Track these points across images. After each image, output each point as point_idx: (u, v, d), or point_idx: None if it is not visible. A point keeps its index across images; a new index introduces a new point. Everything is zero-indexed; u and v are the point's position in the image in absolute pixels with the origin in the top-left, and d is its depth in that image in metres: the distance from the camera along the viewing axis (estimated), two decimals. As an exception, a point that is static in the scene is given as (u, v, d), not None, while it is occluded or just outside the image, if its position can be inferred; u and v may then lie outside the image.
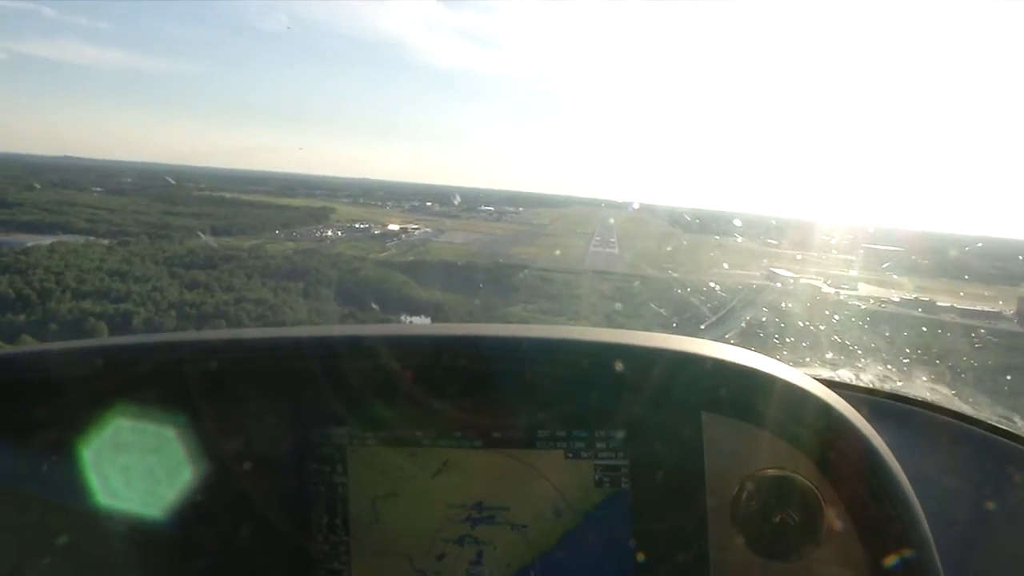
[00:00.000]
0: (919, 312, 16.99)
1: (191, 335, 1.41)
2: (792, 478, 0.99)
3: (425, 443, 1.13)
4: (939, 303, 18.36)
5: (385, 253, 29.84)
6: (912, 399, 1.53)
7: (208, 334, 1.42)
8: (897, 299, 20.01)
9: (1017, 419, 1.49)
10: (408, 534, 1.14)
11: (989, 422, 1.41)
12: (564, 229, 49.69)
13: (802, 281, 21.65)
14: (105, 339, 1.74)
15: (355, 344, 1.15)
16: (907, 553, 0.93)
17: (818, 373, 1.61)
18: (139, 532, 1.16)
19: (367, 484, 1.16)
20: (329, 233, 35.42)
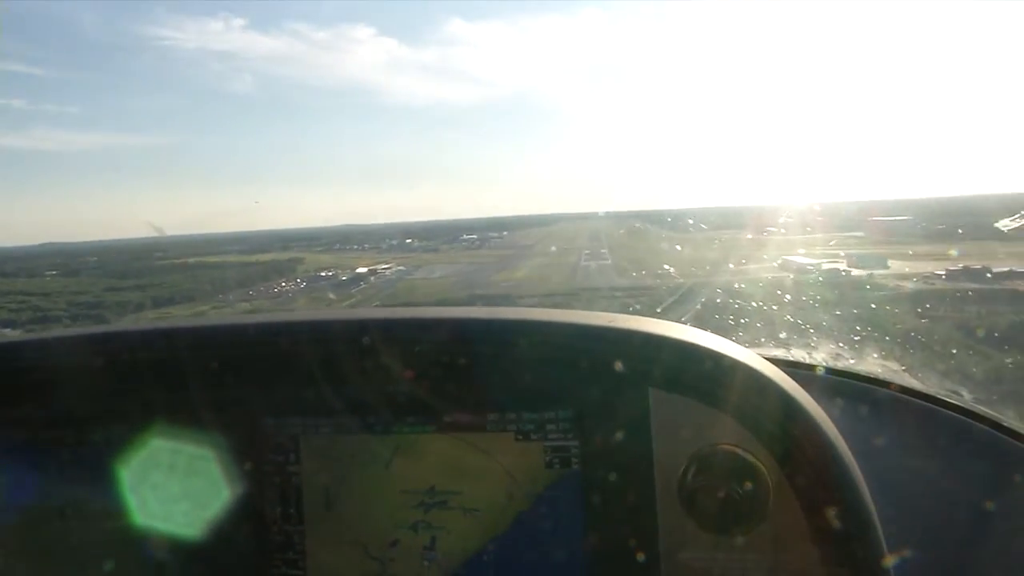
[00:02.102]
0: (983, 284, 13.87)
1: (143, 325, 1.36)
2: (738, 454, 0.99)
3: (377, 430, 1.12)
4: (995, 269, 15.26)
5: (348, 301, 26.74)
6: (862, 375, 1.53)
7: (159, 323, 1.43)
8: (943, 272, 17.07)
9: (964, 393, 1.57)
10: (362, 521, 1.13)
11: (938, 396, 1.41)
12: (551, 247, 47.05)
13: (824, 266, 19.00)
14: (68, 330, 1.42)
15: (304, 330, 1.15)
16: (852, 528, 0.93)
17: (773, 353, 1.62)
18: (95, 527, 1.17)
19: (320, 473, 1.15)
20: (288, 286, 32.37)
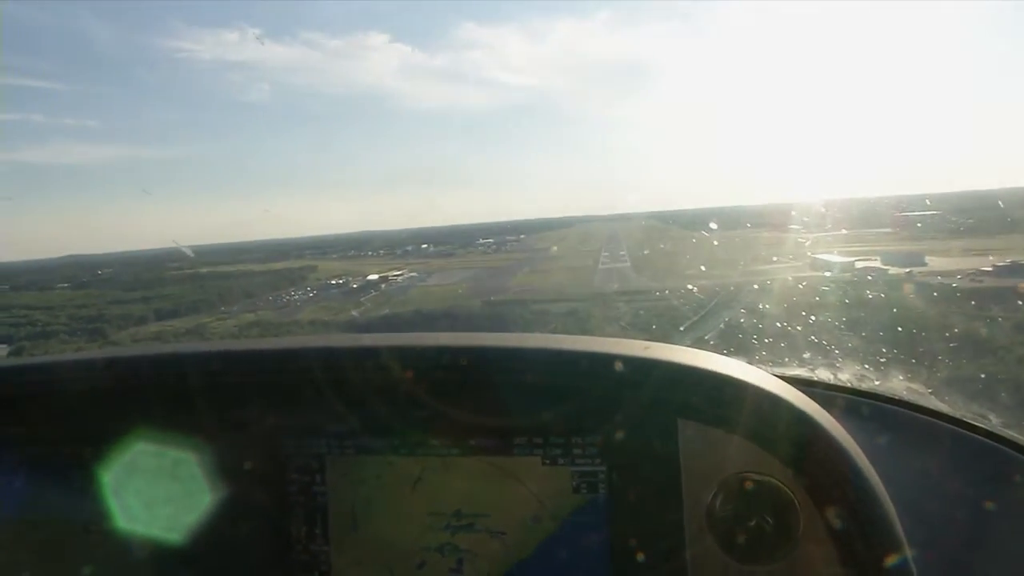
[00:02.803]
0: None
1: (170, 347, 1.40)
2: (767, 482, 0.99)
3: (403, 452, 1.13)
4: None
5: (358, 310, 25.76)
6: (890, 398, 1.50)
7: (188, 346, 1.40)
8: (989, 268, 15.88)
9: (992, 417, 1.45)
10: (388, 543, 1.14)
11: (966, 420, 1.39)
12: (568, 250, 46.12)
13: (858, 265, 17.89)
14: (90, 352, 1.56)
15: (331, 355, 1.17)
16: (882, 555, 0.92)
17: (796, 373, 1.64)
18: (120, 545, 1.18)
19: (346, 494, 1.16)
20: (297, 296, 31.55)
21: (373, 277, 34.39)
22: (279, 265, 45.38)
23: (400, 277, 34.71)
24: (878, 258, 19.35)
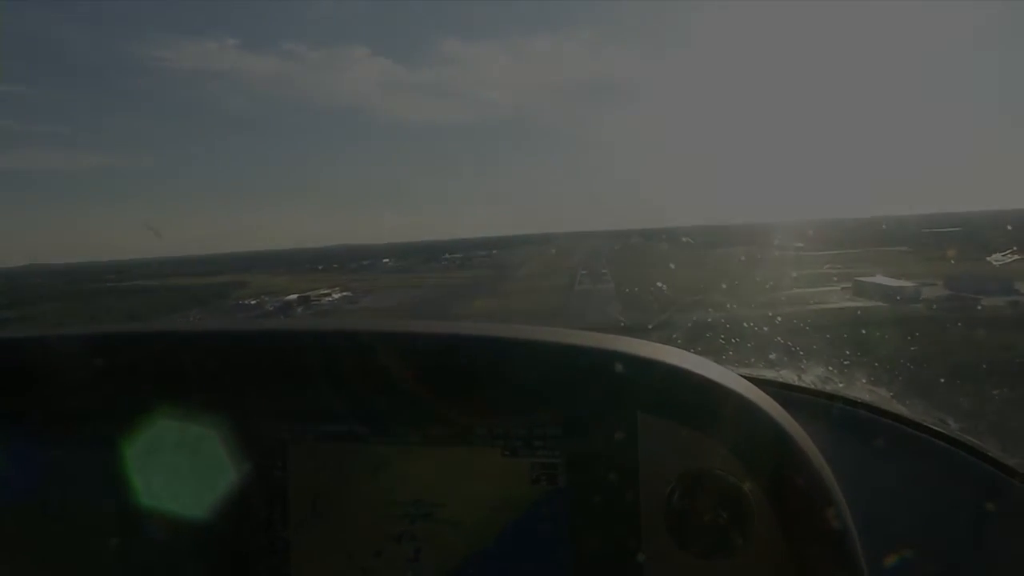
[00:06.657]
0: None
1: (142, 327, 1.41)
2: (723, 478, 1.01)
3: (366, 439, 1.14)
4: None
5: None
6: (851, 400, 1.50)
7: (148, 326, 1.41)
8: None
9: (951, 422, 1.48)
10: (347, 530, 1.14)
11: (925, 423, 1.40)
12: (542, 267, 40.98)
13: (924, 292, 13.20)
14: (67, 328, 1.40)
15: (297, 337, 1.18)
16: (833, 557, 0.94)
17: (761, 374, 1.62)
18: (76, 524, 1.18)
19: (307, 479, 1.16)
20: (191, 320, 26.11)
21: (292, 298, 28.91)
22: (212, 280, 40.84)
23: (326, 299, 29.27)
24: (940, 282, 14.57)
